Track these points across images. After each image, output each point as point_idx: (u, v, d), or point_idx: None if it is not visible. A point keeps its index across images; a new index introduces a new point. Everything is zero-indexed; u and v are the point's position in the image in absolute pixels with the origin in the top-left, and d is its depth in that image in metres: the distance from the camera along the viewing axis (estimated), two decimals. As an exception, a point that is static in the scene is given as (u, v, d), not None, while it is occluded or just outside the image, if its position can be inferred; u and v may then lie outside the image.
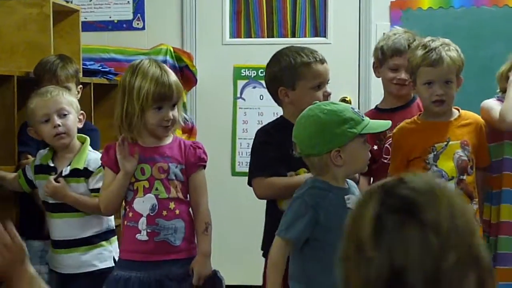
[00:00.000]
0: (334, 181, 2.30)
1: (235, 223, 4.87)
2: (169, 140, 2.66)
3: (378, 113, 3.10)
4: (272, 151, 2.65)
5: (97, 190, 2.84)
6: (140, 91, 2.55)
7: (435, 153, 2.77)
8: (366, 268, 1.12)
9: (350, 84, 4.70)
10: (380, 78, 3.18)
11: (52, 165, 2.92)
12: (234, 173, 4.91)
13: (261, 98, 4.83)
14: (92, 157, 2.94)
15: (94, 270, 2.83)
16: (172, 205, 2.59)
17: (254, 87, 4.87)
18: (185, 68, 4.66)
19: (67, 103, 2.92)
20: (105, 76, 4.10)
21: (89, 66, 3.97)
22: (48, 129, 2.89)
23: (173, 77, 2.63)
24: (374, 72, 3.21)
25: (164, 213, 2.57)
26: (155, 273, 2.54)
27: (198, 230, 2.63)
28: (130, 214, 2.59)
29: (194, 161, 2.65)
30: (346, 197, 2.29)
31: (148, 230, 2.56)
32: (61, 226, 2.90)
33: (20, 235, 3.12)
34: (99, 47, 4.66)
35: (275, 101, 2.75)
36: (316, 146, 2.27)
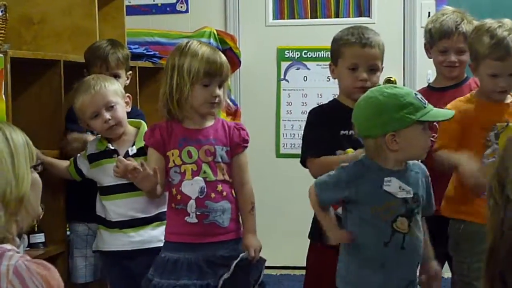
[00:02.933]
0: (384, 164, 2.28)
1: (280, 205, 4.89)
2: (212, 121, 2.67)
3: (429, 91, 3.09)
4: (323, 130, 2.65)
5: None
6: (190, 67, 2.57)
7: (495, 131, 2.72)
8: None
9: (395, 64, 4.65)
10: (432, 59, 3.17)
11: (113, 148, 2.92)
12: (279, 155, 4.92)
13: (305, 79, 4.82)
14: None
15: (158, 246, 2.77)
16: (219, 187, 2.60)
17: (298, 69, 4.86)
18: (228, 50, 4.67)
19: (112, 94, 2.89)
20: (150, 60, 4.12)
21: (134, 50, 3.99)
22: (99, 124, 2.89)
23: (223, 56, 2.66)
24: (426, 53, 3.20)
25: (213, 195, 2.58)
26: (203, 254, 2.56)
27: (243, 209, 2.65)
28: (178, 197, 2.60)
29: (239, 142, 2.66)
30: (386, 179, 2.26)
31: (198, 213, 2.57)
32: (130, 205, 2.87)
33: (67, 219, 3.19)
34: (143, 30, 4.69)
35: None
36: (372, 129, 2.24)
